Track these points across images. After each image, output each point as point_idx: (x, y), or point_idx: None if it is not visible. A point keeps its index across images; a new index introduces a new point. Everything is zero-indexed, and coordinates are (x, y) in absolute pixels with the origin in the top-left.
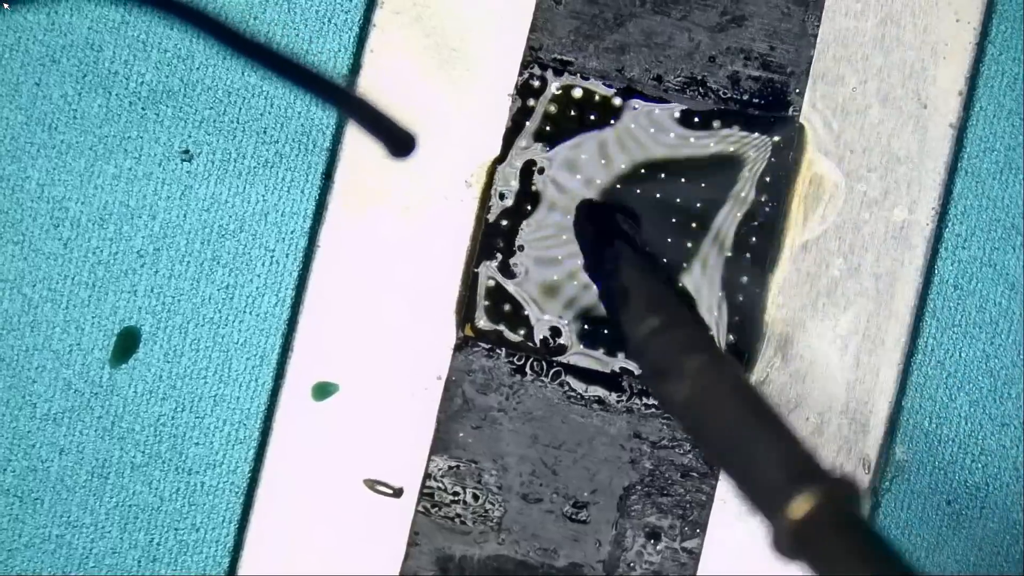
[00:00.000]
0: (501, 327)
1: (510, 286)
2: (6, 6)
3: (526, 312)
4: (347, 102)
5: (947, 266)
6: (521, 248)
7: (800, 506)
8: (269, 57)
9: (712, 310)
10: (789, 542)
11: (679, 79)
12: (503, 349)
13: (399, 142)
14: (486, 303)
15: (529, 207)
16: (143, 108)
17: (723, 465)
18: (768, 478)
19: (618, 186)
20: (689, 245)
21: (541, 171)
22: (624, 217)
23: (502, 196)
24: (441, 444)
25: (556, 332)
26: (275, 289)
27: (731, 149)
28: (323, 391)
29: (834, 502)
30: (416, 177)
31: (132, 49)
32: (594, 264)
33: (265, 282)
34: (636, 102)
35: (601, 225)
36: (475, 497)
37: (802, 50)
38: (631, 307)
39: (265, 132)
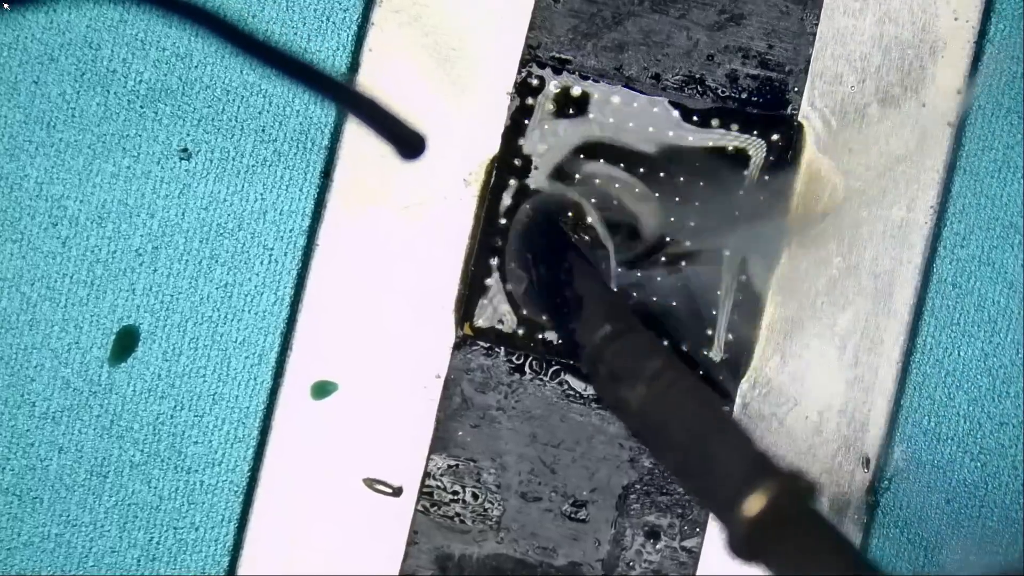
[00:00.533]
0: (500, 326)
1: (508, 285)
2: (6, 6)
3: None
4: (357, 103)
5: (945, 264)
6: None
7: (754, 503)
8: (277, 58)
9: (711, 309)
10: (745, 542)
11: (677, 77)
12: (502, 348)
13: (409, 144)
14: (485, 302)
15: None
16: (142, 106)
17: (677, 470)
18: (723, 479)
19: (616, 186)
20: (688, 243)
21: (540, 169)
22: (573, 224)
23: (501, 195)
24: (440, 443)
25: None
26: (274, 288)
27: (730, 147)
28: (322, 390)
29: (789, 497)
30: (415, 176)
31: (131, 47)
32: (545, 273)
33: (264, 280)
34: (635, 100)
35: (552, 234)
36: (474, 496)
37: (800, 48)
38: (585, 314)
39: (264, 130)
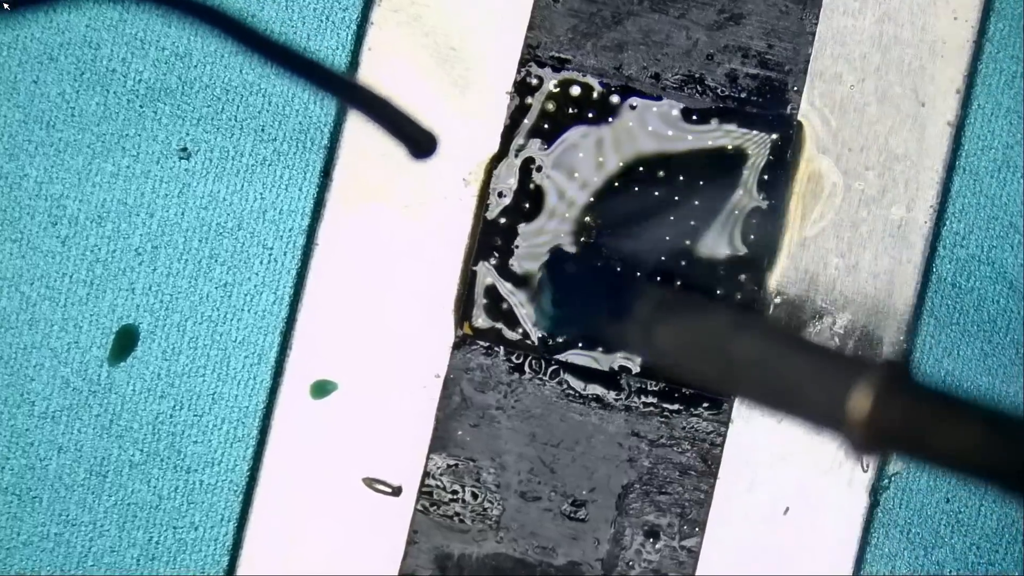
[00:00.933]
0: (499, 325)
1: (505, 287)
2: (6, 7)
3: (517, 316)
4: (368, 102)
5: (945, 264)
6: (519, 247)
7: (860, 404)
8: (287, 57)
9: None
10: (869, 441)
11: (677, 77)
12: (501, 347)
13: (420, 143)
14: (484, 301)
15: (527, 205)
16: (141, 106)
17: (774, 408)
18: (820, 398)
19: (615, 185)
20: (687, 243)
21: (539, 169)
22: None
23: (500, 194)
24: (440, 442)
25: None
26: (273, 287)
27: (729, 147)
28: (322, 389)
29: (890, 383)
30: (415, 175)
31: (130, 47)
32: (572, 277)
33: (263, 280)
34: (634, 100)
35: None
36: (474, 495)
37: (800, 48)
38: (627, 295)
39: (263, 130)
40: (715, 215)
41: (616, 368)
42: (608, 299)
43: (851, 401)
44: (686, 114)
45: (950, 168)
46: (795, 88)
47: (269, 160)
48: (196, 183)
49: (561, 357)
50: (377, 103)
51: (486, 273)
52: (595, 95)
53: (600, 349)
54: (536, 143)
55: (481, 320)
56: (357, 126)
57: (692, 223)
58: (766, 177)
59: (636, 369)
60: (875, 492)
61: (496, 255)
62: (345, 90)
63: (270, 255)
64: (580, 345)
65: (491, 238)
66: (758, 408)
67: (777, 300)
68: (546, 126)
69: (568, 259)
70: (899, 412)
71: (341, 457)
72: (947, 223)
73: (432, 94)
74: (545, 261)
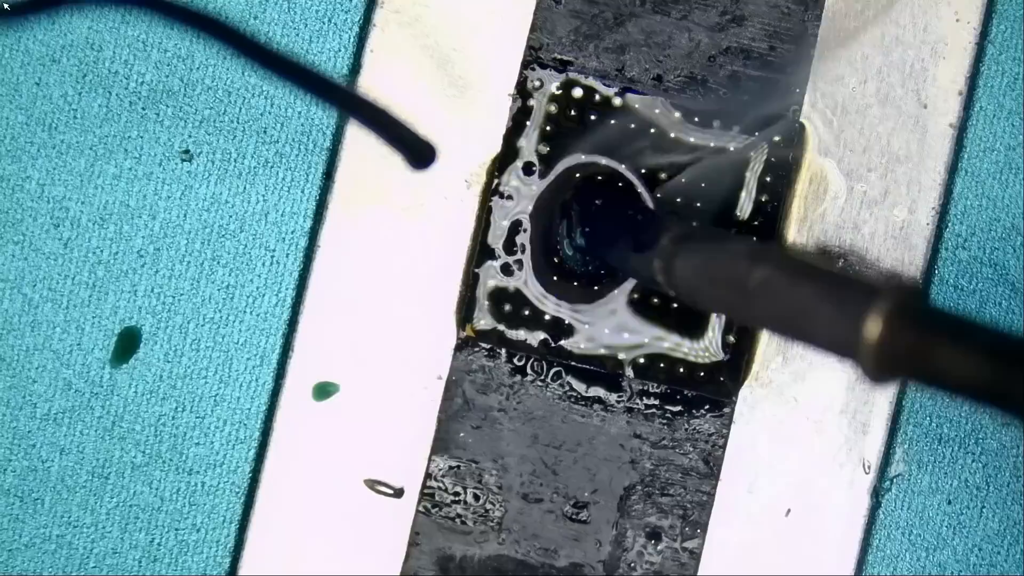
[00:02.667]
0: (501, 327)
1: (509, 285)
2: (6, 7)
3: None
4: (368, 112)
5: (947, 266)
6: (522, 248)
7: (872, 329)
8: (287, 67)
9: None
10: (882, 366)
11: (679, 78)
12: (503, 349)
13: (420, 153)
14: (486, 303)
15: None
16: (143, 108)
17: (789, 335)
18: (833, 321)
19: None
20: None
21: (543, 174)
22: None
23: (502, 196)
24: (441, 444)
25: (557, 332)
26: (275, 289)
27: (731, 148)
28: (323, 391)
29: (901, 308)
30: (416, 177)
31: (132, 49)
32: (593, 213)
33: (265, 282)
34: (636, 101)
35: (591, 188)
36: (476, 497)
37: (802, 50)
38: (644, 226)
39: (265, 132)
40: (716, 216)
41: (617, 362)
42: (631, 230)
43: (863, 326)
44: (688, 116)
45: (952, 170)
46: (797, 90)
47: (271, 162)
48: (198, 185)
49: (563, 358)
50: (376, 113)
51: (488, 275)
52: (597, 97)
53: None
54: (537, 144)
55: (483, 322)
56: (359, 129)
57: (693, 224)
58: (768, 179)
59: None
60: (877, 494)
61: (499, 256)
62: (344, 100)
63: (272, 257)
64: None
65: (493, 239)
66: (774, 334)
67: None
68: (548, 128)
69: (593, 190)
70: (911, 336)
71: (343, 459)
72: (949, 225)
73: (434, 96)
74: (571, 192)
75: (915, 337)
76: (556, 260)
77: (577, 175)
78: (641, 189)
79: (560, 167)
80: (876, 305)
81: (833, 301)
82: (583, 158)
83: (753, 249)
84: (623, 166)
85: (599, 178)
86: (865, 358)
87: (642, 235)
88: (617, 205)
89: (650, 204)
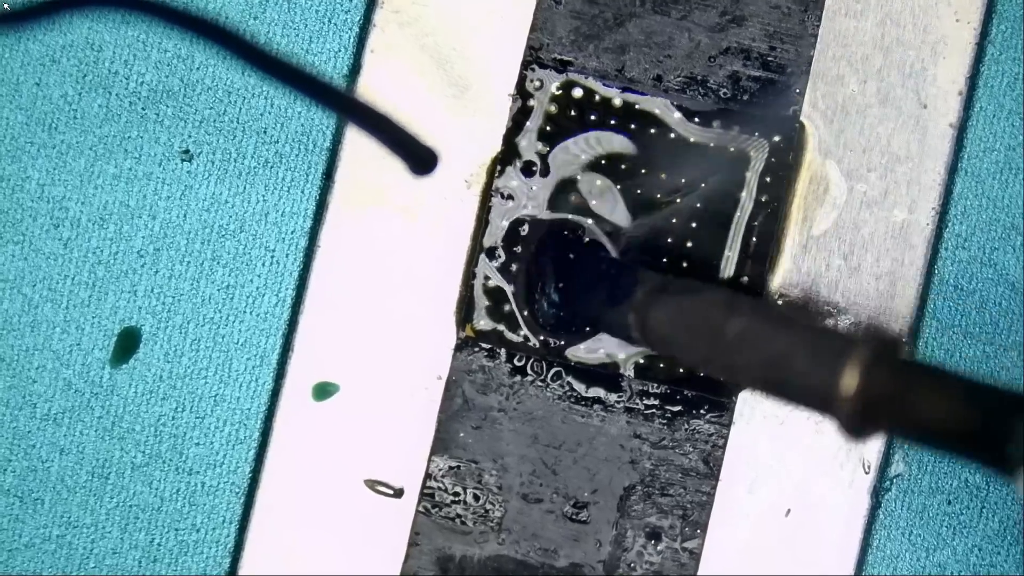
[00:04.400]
0: (501, 327)
1: (508, 288)
2: (6, 6)
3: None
4: (369, 118)
5: (947, 266)
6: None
7: (848, 382)
8: (289, 74)
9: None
10: (860, 418)
11: (679, 79)
12: (503, 349)
13: (422, 159)
14: (486, 303)
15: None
16: (143, 108)
17: (765, 387)
18: (810, 374)
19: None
20: (689, 244)
21: (543, 173)
22: (574, 235)
23: (502, 196)
24: (441, 444)
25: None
26: (275, 289)
27: (731, 149)
28: (323, 391)
29: (877, 359)
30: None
31: (132, 49)
32: (565, 270)
33: (265, 282)
34: (636, 101)
35: (560, 243)
36: (475, 497)
37: (802, 50)
38: (618, 282)
39: (265, 132)
40: (716, 216)
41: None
42: (604, 283)
43: (840, 378)
44: (688, 116)
45: (952, 170)
46: (797, 90)
47: (271, 162)
48: (198, 185)
49: (563, 359)
50: (378, 119)
51: (488, 275)
52: (597, 97)
53: (594, 336)
54: (538, 145)
55: (483, 322)
56: (360, 133)
57: (693, 225)
58: (768, 179)
59: (630, 372)
60: (876, 494)
61: (498, 257)
62: (345, 105)
63: (272, 257)
64: (582, 346)
65: (493, 239)
66: (753, 390)
67: (779, 301)
68: (548, 128)
69: (564, 243)
70: (888, 387)
71: (343, 459)
72: (949, 225)
73: (434, 96)
74: (539, 245)
75: (892, 388)
76: (536, 317)
77: (544, 233)
78: (607, 243)
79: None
80: (853, 356)
81: (810, 352)
82: (548, 215)
83: (729, 299)
84: (589, 222)
85: (566, 234)
86: (843, 411)
87: (615, 288)
88: (589, 259)
89: (615, 255)
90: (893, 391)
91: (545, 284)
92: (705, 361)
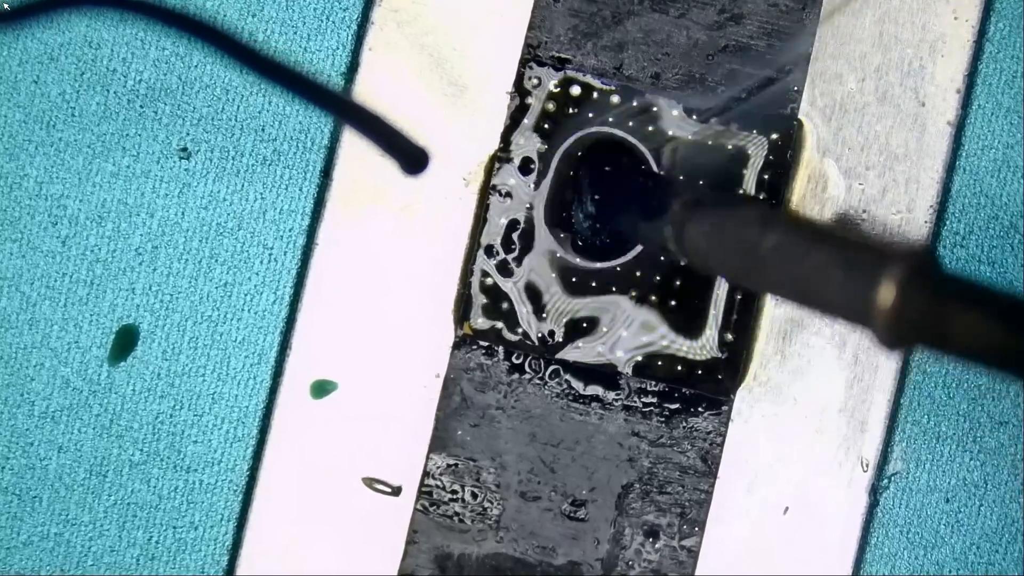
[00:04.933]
0: (499, 325)
1: (507, 284)
2: (6, 6)
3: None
4: (360, 117)
5: (945, 264)
6: (520, 246)
7: (885, 295)
8: (279, 73)
9: (711, 307)
10: (895, 333)
11: (677, 76)
12: (501, 347)
13: (412, 159)
14: (484, 301)
15: (528, 206)
16: (141, 106)
17: (800, 300)
18: (846, 287)
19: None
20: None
21: (541, 172)
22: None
23: (500, 194)
24: (440, 442)
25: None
26: (273, 287)
27: (729, 146)
28: (322, 389)
29: (914, 274)
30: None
31: (130, 47)
32: (605, 182)
33: (263, 280)
34: (635, 100)
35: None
36: (473, 495)
37: (800, 48)
38: (657, 193)
39: (263, 130)
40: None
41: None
42: (641, 196)
43: (876, 292)
44: (686, 113)
45: (950, 168)
46: (795, 88)
47: (269, 160)
48: (196, 183)
49: (561, 355)
50: (369, 118)
51: (486, 273)
52: (595, 95)
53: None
54: (536, 142)
55: (481, 320)
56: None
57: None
58: (766, 177)
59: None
60: (875, 492)
61: (496, 254)
62: (336, 104)
63: (270, 255)
64: (577, 346)
65: (491, 237)
66: (788, 301)
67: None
68: (546, 126)
69: (601, 159)
70: (924, 302)
71: (341, 457)
72: (947, 223)
73: (432, 94)
74: (580, 160)
75: (929, 302)
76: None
77: (583, 147)
78: (648, 156)
79: (570, 139)
80: (889, 271)
81: (845, 266)
82: (591, 129)
83: (764, 214)
84: (630, 136)
85: (606, 148)
86: (878, 324)
87: (652, 201)
88: (626, 172)
89: (657, 170)
90: (930, 304)
91: (582, 197)
92: (740, 274)
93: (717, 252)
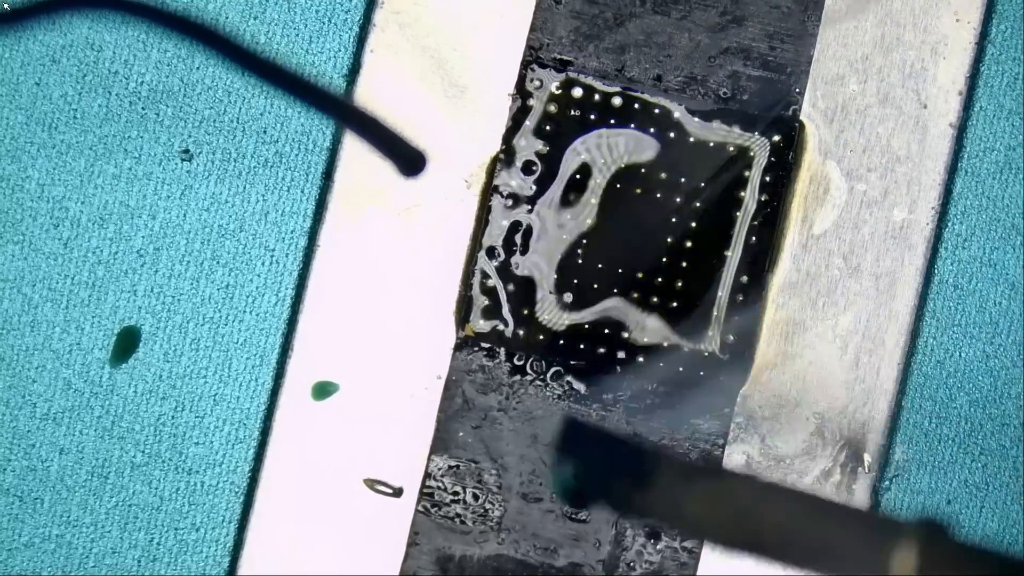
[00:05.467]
0: (500, 327)
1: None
2: (6, 6)
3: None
4: (358, 120)
5: (947, 266)
6: (521, 247)
7: (904, 561)
8: (277, 75)
9: (712, 309)
10: None
11: (679, 78)
12: (503, 349)
13: (410, 161)
14: (486, 303)
15: (529, 207)
16: (143, 108)
17: (812, 568)
18: (862, 559)
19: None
20: (689, 244)
21: (541, 174)
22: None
23: (502, 195)
24: (441, 444)
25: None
26: (275, 289)
27: (731, 148)
28: (323, 391)
29: (930, 540)
30: (416, 177)
31: (132, 49)
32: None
33: (265, 282)
34: (636, 100)
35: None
36: (475, 497)
37: (802, 50)
38: (640, 472)
39: (265, 132)
40: (716, 216)
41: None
42: (628, 468)
43: (895, 561)
44: (688, 115)
45: (952, 170)
46: (797, 90)
47: (271, 162)
48: (198, 185)
49: (563, 358)
50: (366, 121)
51: (487, 274)
52: (597, 96)
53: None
54: (538, 144)
55: (482, 322)
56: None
57: (692, 224)
58: (767, 179)
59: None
60: (876, 493)
61: (498, 256)
62: (334, 107)
63: (272, 257)
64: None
65: (492, 239)
66: (791, 570)
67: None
68: (548, 127)
69: (583, 429)
70: (943, 568)
71: (342, 458)
72: (949, 225)
73: (433, 96)
74: (559, 434)
75: (948, 569)
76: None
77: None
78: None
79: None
80: (904, 540)
81: (857, 537)
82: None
83: (760, 489)
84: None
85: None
86: None
87: (638, 469)
88: (610, 442)
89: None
90: (949, 572)
91: (563, 470)
92: (744, 548)
93: (714, 530)
